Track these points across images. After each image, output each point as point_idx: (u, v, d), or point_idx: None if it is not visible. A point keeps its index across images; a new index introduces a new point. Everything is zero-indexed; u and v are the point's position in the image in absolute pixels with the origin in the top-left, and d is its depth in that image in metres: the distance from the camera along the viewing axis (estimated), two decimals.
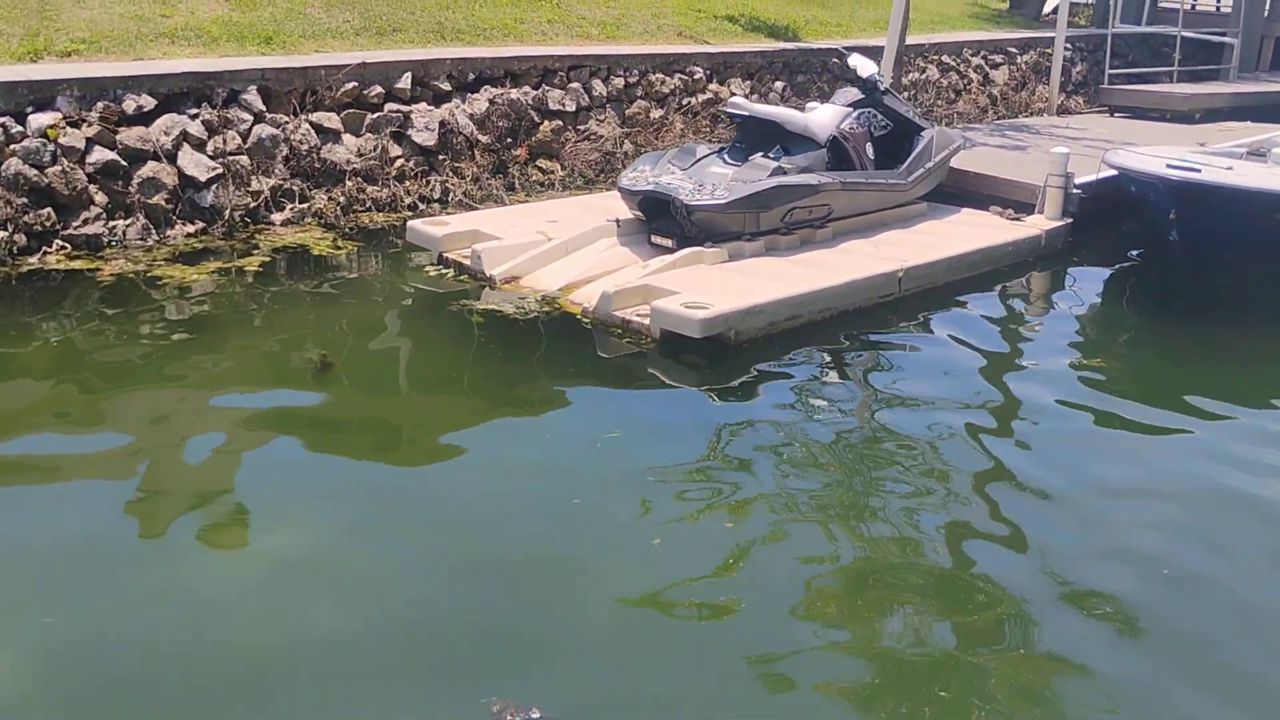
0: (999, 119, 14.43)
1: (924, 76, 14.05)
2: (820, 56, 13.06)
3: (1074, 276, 8.97)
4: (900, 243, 8.41)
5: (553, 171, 10.33)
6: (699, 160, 8.26)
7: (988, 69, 15.03)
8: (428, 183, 9.43)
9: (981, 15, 17.67)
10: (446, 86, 9.80)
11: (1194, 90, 14.34)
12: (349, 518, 4.69)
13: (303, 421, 5.57)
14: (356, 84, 9.17)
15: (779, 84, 12.53)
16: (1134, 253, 9.58)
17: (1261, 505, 5.25)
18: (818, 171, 8.41)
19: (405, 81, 9.48)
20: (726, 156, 8.30)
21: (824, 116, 8.80)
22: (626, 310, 6.93)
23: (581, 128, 10.66)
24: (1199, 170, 7.79)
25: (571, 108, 10.55)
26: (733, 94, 11.97)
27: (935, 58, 14.32)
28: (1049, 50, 15.98)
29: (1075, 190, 9.27)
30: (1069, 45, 16.15)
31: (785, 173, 8.10)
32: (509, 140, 10.06)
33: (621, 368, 6.57)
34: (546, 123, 10.37)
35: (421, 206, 9.27)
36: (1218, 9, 18.34)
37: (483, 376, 6.31)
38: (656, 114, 11.31)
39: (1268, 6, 17.44)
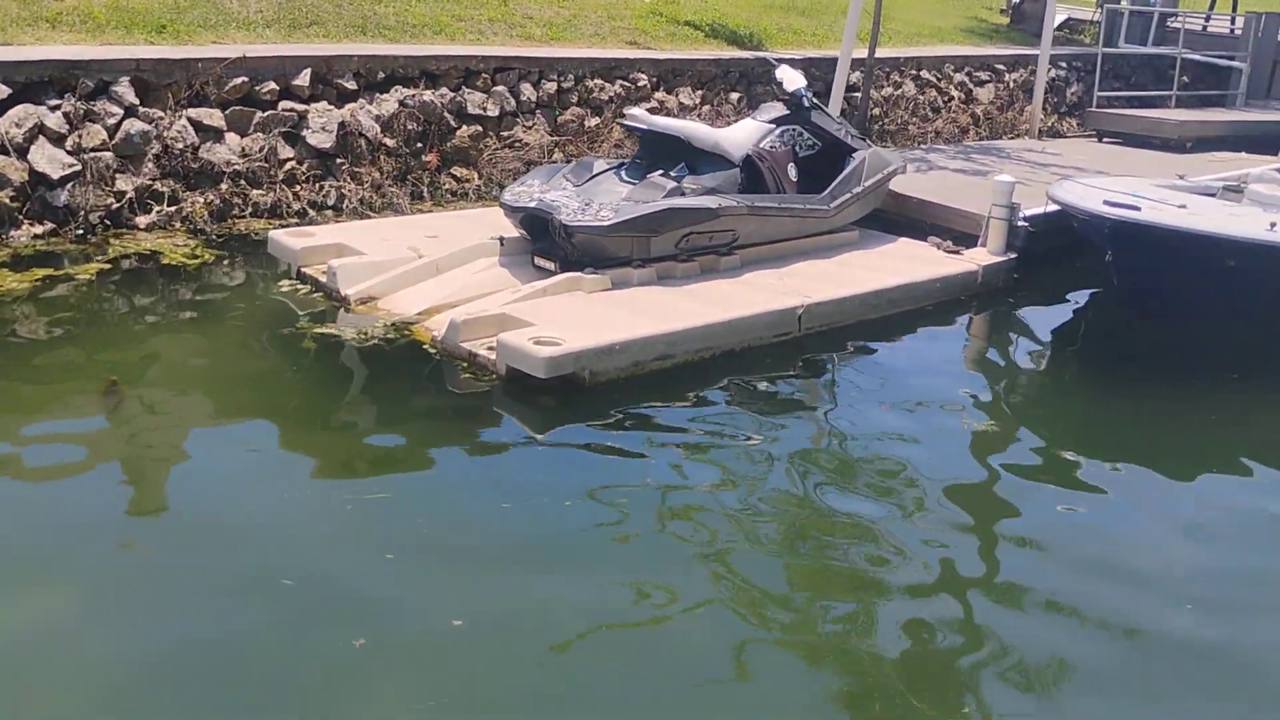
0: (981, 140, 13.60)
1: (899, 92, 13.24)
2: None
3: (1011, 320, 8.17)
4: (813, 275, 7.65)
5: (468, 180, 9.64)
6: (594, 176, 7.55)
7: (972, 86, 14.19)
8: (321, 188, 8.76)
9: (977, 30, 16.81)
10: (352, 85, 9.13)
11: (1186, 117, 13.44)
12: (87, 584, 4.03)
13: (70, 454, 4.92)
14: (247, 79, 8.52)
15: (734, 95, 11.78)
16: (1083, 295, 8.74)
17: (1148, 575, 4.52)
18: (727, 193, 7.68)
19: (305, 79, 8.83)
20: (624, 174, 7.58)
21: (740, 133, 8.06)
22: (476, 342, 6.23)
23: (505, 134, 9.97)
24: (1139, 208, 6.98)
25: (494, 112, 9.86)
26: (681, 104, 11.27)
27: (913, 72, 13.51)
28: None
29: (1021, 223, 8.48)
30: (1064, 64, 15.31)
31: (684, 193, 7.38)
32: (418, 145, 9.38)
33: (456, 408, 5.87)
34: (464, 128, 9.69)
35: (311, 214, 8.60)
36: (1232, 32, 17.35)
37: (286, 411, 5.62)
38: (593, 122, 10.59)
39: None
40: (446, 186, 9.51)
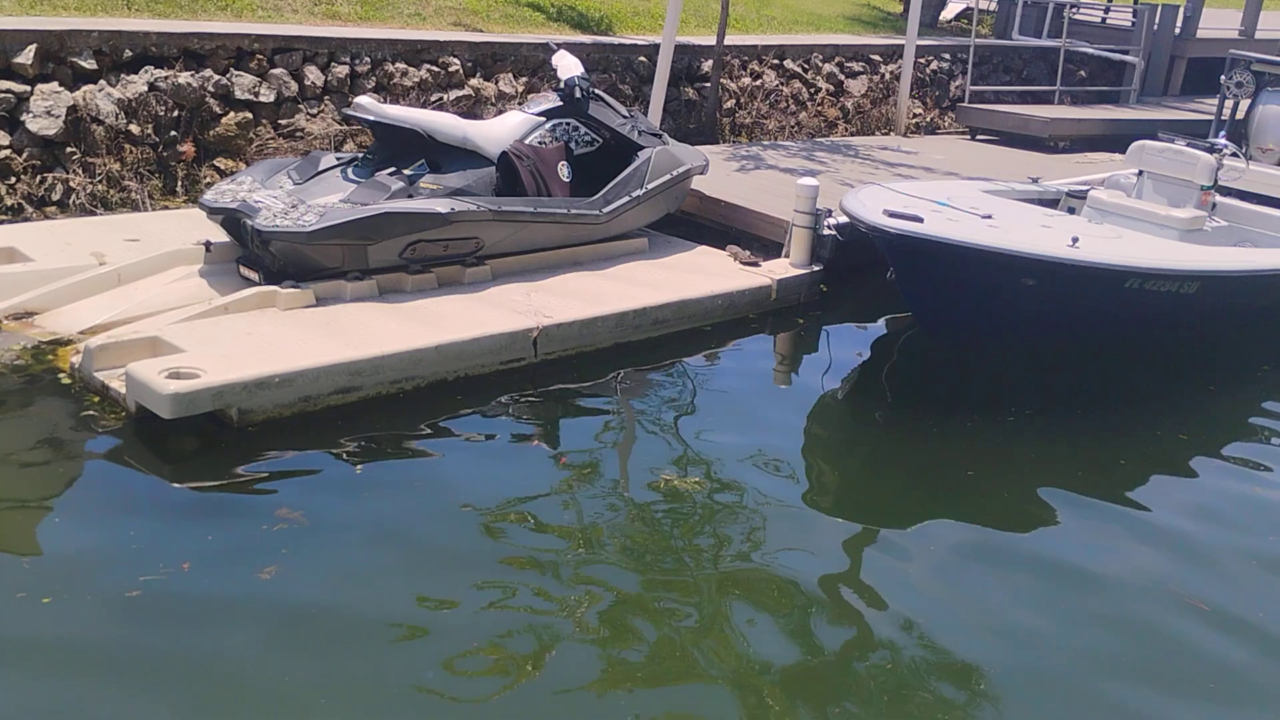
0: (850, 135, 12.75)
1: (758, 83, 12.35)
2: (625, 54, 11.36)
3: (803, 343, 7.31)
4: (570, 290, 6.74)
5: (235, 172, 8.63)
6: (318, 174, 6.62)
7: (843, 77, 13.31)
8: (44, 180, 7.73)
9: (864, 19, 15.95)
10: (91, 65, 8.08)
11: (1056, 115, 12.63)
12: None
13: None
14: None
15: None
16: (900, 314, 7.87)
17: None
18: (479, 195, 6.76)
19: (29, 55, 7.77)
20: (351, 172, 6.65)
21: (500, 127, 7.14)
22: (111, 372, 5.26)
23: (284, 122, 8.96)
24: (920, 220, 6.12)
25: (270, 98, 8.84)
26: (501, 92, 10.30)
27: (774, 61, 12.61)
28: (924, 59, 14.30)
29: (829, 231, 7.61)
30: (948, 55, 14.48)
31: (414, 195, 6.44)
32: (172, 133, 8.36)
33: (69, 454, 4.90)
34: (232, 114, 8.67)
35: (29, 210, 7.57)
36: (1133, 25, 16.60)
37: None
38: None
39: (1180, 23, 15.70)
40: (207, 180, 8.49)
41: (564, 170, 7.25)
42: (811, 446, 5.79)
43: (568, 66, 7.42)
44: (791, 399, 6.43)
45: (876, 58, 13.67)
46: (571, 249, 7.22)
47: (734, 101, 12.10)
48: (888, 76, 13.77)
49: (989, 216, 6.82)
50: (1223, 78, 9.79)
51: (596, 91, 7.69)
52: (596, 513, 4.82)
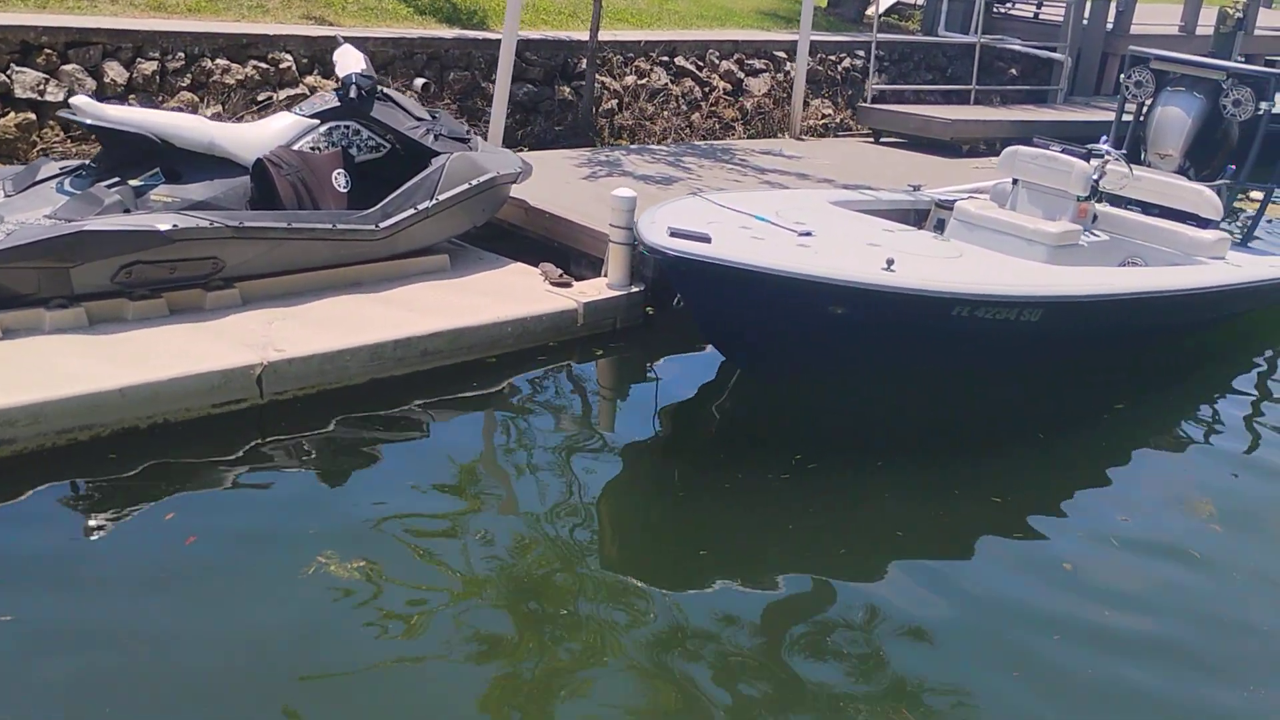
0: (751, 137, 11.92)
1: (643, 82, 11.51)
2: (491, 49, 10.50)
3: (611, 378, 6.47)
4: (325, 318, 5.89)
5: None
6: (35, 185, 5.78)
7: (742, 76, 12.47)
8: None
9: (781, 13, 15.10)
10: None
11: (958, 116, 11.78)
12: None
13: None
14: None
15: (419, 81, 9.95)
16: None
17: None
18: (230, 207, 5.93)
19: None
20: (69, 182, 5.80)
21: (261, 132, 6.30)
22: None
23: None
24: (708, 239, 5.28)
25: (59, 97, 7.99)
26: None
27: (663, 59, 11.77)
28: (837, 57, 13.49)
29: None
30: (862, 52, 13.64)
31: (133, 209, 5.60)
32: None
33: None
34: (11, 115, 7.83)
35: None
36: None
37: None
38: (211, 111, 8.75)
39: (1112, 18, 14.87)
40: None
41: (340, 180, 6.41)
42: (551, 518, 4.93)
43: (347, 63, 6.59)
44: (573, 449, 5.53)
45: (781, 54, 12.83)
46: (348, 269, 6.38)
47: (616, 102, 11.27)
48: (793, 75, 12.94)
49: (808, 234, 5.99)
50: (1122, 76, 8.98)
51: (386, 91, 6.85)
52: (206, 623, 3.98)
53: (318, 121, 6.45)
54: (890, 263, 5.48)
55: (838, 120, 13.19)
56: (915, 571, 4.63)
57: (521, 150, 10.02)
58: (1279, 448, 6.19)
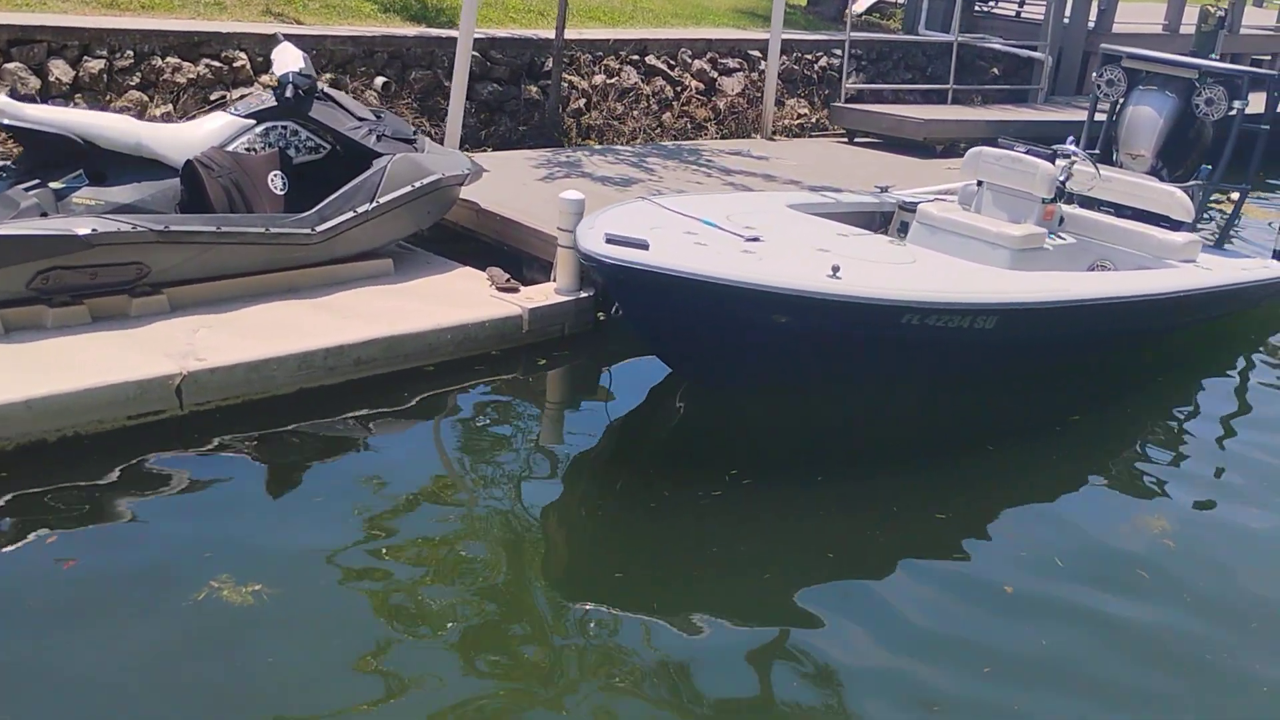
0: (723, 137, 11.72)
1: (612, 81, 11.31)
2: (453, 48, 10.31)
3: (556, 387, 6.28)
4: (254, 325, 5.70)
5: None
6: None
7: (716, 75, 12.27)
8: None
9: (757, 12, 14.90)
10: None
11: (932, 116, 11.59)
12: None
13: None
14: None
15: (380, 80, 9.78)
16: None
17: None
18: (159, 210, 5.74)
19: None
20: None
21: (192, 132, 6.12)
22: None
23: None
24: (646, 246, 5.09)
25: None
26: None
27: (633, 58, 11.57)
28: (813, 56, 13.30)
29: None
30: (838, 51, 13.44)
31: (49, 213, 5.41)
32: None
33: None
34: None
35: None
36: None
37: None
38: (162, 110, 8.55)
39: (1094, 17, 14.67)
40: None
41: (276, 182, 6.21)
42: (493, 528, 4.75)
43: (285, 61, 6.39)
44: (506, 464, 5.33)
45: (756, 54, 12.62)
46: (284, 274, 6.18)
47: (584, 101, 11.07)
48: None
49: (755, 239, 5.79)
50: (1094, 75, 8.79)
51: (326, 90, 6.66)
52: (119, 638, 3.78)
53: (254, 122, 6.25)
54: (836, 269, 5.29)
55: (814, 120, 12.99)
56: (842, 595, 4.44)
57: (485, 151, 9.85)
58: (1240, 463, 5.98)
